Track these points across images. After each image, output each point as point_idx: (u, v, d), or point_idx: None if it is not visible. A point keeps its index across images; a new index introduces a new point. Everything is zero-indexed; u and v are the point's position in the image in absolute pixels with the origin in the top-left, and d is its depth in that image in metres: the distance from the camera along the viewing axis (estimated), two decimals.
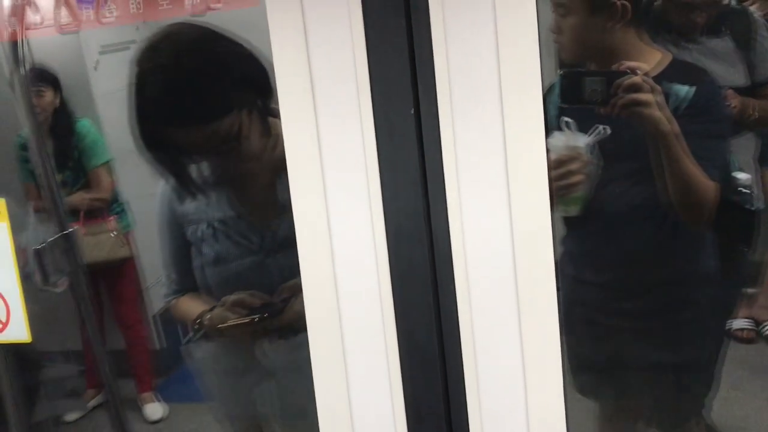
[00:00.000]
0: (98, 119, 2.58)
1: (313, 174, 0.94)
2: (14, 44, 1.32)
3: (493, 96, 0.84)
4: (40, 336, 1.29)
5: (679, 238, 1.43)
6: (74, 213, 2.53)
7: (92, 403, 2.67)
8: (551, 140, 1.34)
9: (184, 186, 1.39)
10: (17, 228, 1.26)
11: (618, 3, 1.33)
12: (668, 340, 1.51)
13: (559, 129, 1.36)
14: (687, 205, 1.34)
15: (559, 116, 1.37)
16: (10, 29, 1.29)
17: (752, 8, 1.71)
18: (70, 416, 2.67)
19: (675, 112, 1.29)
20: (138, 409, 2.68)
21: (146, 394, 2.72)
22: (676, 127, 1.27)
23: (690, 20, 1.57)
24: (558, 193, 1.36)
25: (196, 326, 1.41)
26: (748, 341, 2.17)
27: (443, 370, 0.98)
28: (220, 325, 1.35)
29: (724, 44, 1.63)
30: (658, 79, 1.29)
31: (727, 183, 1.40)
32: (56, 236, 1.41)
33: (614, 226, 1.46)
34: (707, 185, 1.32)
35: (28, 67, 1.39)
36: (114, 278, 2.67)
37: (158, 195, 1.47)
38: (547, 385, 0.94)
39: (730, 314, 1.79)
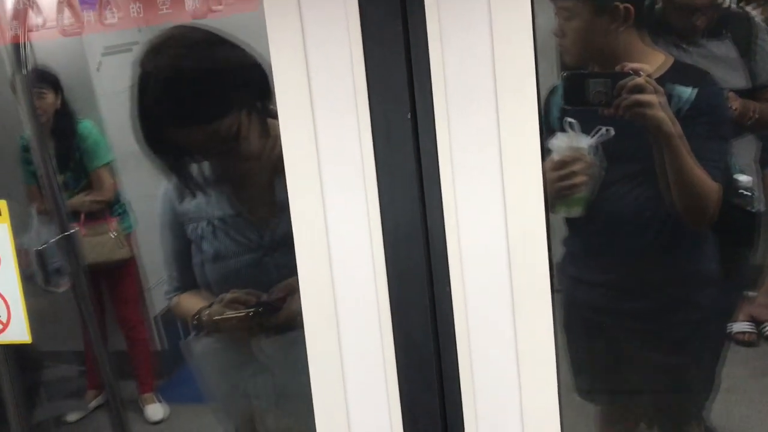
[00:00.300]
0: (101, 120, 2.59)
1: (311, 176, 0.94)
2: (16, 46, 1.33)
3: (489, 98, 0.85)
4: (40, 336, 1.30)
5: (681, 240, 1.43)
6: (75, 214, 2.54)
7: (93, 403, 2.67)
8: (554, 141, 1.34)
9: (186, 184, 1.42)
10: (19, 230, 1.27)
11: (621, 6, 1.34)
12: (669, 342, 1.51)
13: (562, 130, 1.36)
14: (689, 206, 1.34)
15: (561, 118, 1.37)
16: (12, 32, 1.30)
17: (753, 12, 1.71)
18: (71, 417, 2.68)
19: (677, 113, 1.29)
20: (139, 409, 2.68)
21: (147, 395, 2.72)
22: (679, 128, 1.27)
23: (691, 23, 1.58)
24: (561, 194, 1.37)
25: (195, 322, 1.43)
26: (749, 344, 2.17)
27: (439, 369, 0.98)
28: (216, 317, 1.38)
29: (724, 47, 1.63)
30: (661, 81, 1.29)
31: (729, 185, 1.40)
32: (58, 237, 1.41)
33: (616, 227, 1.46)
34: (710, 186, 1.32)
35: (30, 68, 1.40)
36: (115, 279, 2.68)
37: (160, 194, 1.49)
38: (542, 385, 0.94)
39: (731, 316, 1.79)
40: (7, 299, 1.25)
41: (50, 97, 2.54)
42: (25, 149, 2.34)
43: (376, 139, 0.90)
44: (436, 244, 0.93)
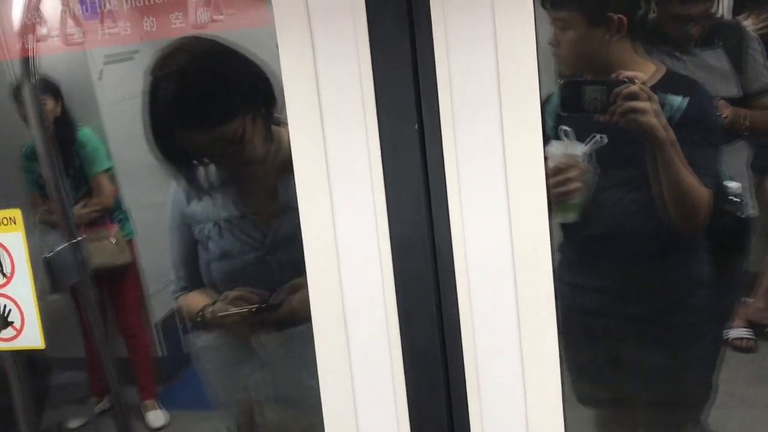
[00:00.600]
0: (102, 127, 2.61)
1: (321, 187, 0.97)
2: (25, 59, 1.36)
3: (494, 110, 0.88)
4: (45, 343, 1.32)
5: (673, 245, 1.46)
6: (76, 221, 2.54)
7: (96, 409, 2.67)
8: (549, 149, 1.37)
9: (193, 186, 1.48)
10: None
11: (614, 17, 1.37)
12: (665, 346, 1.53)
13: (557, 138, 1.39)
14: (681, 212, 1.37)
15: (556, 126, 1.40)
16: (21, 44, 1.33)
17: (746, 22, 1.75)
18: (73, 423, 2.68)
19: (669, 121, 1.32)
20: (140, 416, 2.69)
21: (149, 402, 2.72)
22: (672, 135, 1.30)
23: (683, 33, 1.61)
24: (556, 200, 1.39)
25: (199, 318, 1.48)
26: (747, 350, 2.19)
27: (446, 376, 1.00)
28: (220, 314, 1.43)
29: (716, 56, 1.67)
30: (653, 90, 1.32)
31: (719, 192, 1.43)
32: (65, 245, 1.44)
33: (610, 232, 1.49)
34: (701, 192, 1.35)
35: (37, 78, 1.42)
36: (116, 286, 2.68)
37: (169, 197, 1.55)
38: (547, 391, 0.96)
39: (726, 321, 1.81)
40: (21, 306, 1.28)
41: (50, 105, 2.56)
42: (28, 157, 2.36)
43: (384, 151, 0.93)
44: (443, 253, 0.95)
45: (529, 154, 0.88)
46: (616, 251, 1.50)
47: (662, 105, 1.32)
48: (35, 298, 1.27)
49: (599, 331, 1.58)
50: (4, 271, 1.27)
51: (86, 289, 1.52)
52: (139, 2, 1.11)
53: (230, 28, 1.15)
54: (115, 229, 2.64)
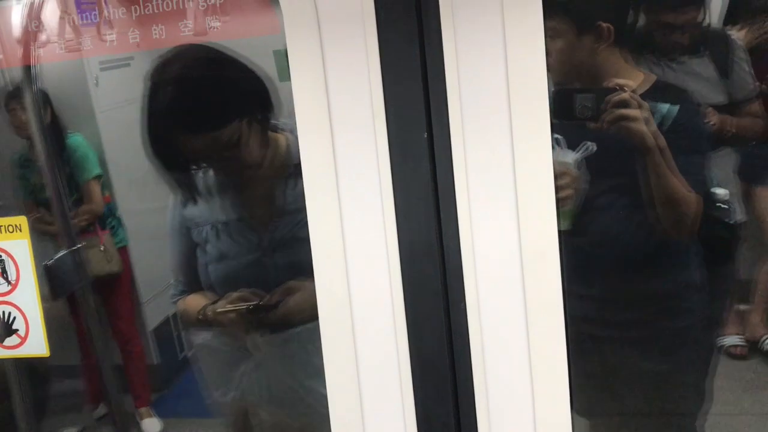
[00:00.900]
0: (99, 134, 2.60)
1: (330, 194, 0.98)
2: (27, 67, 1.36)
3: (503, 118, 0.90)
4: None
5: (664, 251, 1.48)
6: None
7: (94, 414, 2.64)
8: None
9: (191, 189, 1.51)
10: None
11: (603, 25, 1.39)
12: (657, 351, 1.54)
13: None
14: (672, 217, 1.40)
15: None
16: (21, 53, 1.33)
17: (738, 33, 1.78)
18: (69, 431, 2.65)
19: (659, 128, 1.34)
20: (135, 424, 2.67)
21: (144, 409, 2.70)
22: (662, 142, 1.33)
23: (671, 41, 1.64)
24: None
25: (201, 315, 1.50)
26: (742, 357, 2.23)
27: (453, 382, 1.01)
28: (219, 310, 1.46)
29: (703, 64, 1.70)
30: (643, 98, 1.34)
31: (707, 198, 1.45)
32: (65, 252, 1.44)
33: (601, 238, 1.51)
34: (690, 197, 1.38)
35: (37, 86, 1.43)
36: (109, 293, 2.66)
37: (170, 204, 1.57)
38: (555, 398, 0.97)
39: (718, 326, 1.83)
40: (26, 313, 1.27)
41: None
42: (22, 165, 2.34)
43: (394, 159, 0.94)
44: (451, 260, 0.97)
45: (537, 162, 0.89)
46: (606, 258, 1.51)
47: (652, 113, 1.35)
48: (40, 305, 1.26)
49: (592, 337, 1.59)
50: (9, 279, 1.26)
51: (85, 296, 1.51)
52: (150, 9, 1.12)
53: (240, 36, 1.17)
54: (105, 236, 2.63)
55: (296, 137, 0.98)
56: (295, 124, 0.97)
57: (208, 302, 1.51)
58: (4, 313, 1.28)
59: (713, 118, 1.67)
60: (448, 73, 0.90)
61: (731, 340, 2.24)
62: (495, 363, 0.98)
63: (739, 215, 1.60)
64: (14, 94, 1.95)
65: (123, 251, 2.66)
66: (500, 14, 0.86)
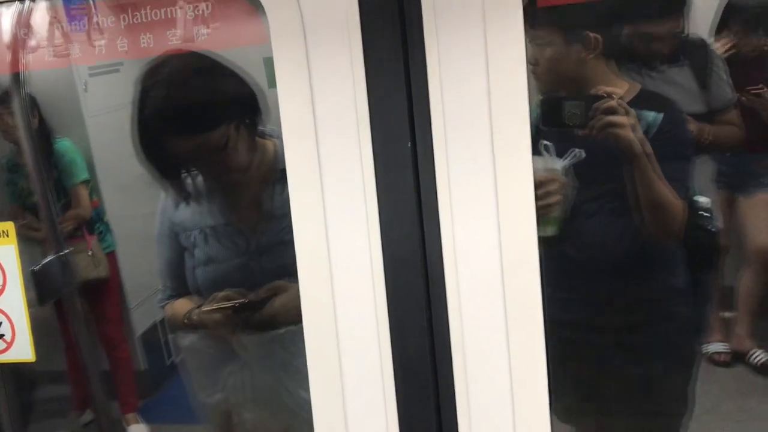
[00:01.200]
0: (87, 138, 2.60)
1: (315, 204, 1.00)
2: (15, 74, 1.37)
3: (484, 129, 0.92)
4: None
5: (649, 256, 1.50)
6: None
7: (80, 420, 2.63)
8: None
9: (180, 193, 1.52)
10: None
11: (591, 35, 1.42)
12: (641, 355, 1.56)
13: (537, 153, 1.43)
14: (658, 222, 1.42)
15: (535, 142, 1.44)
16: (10, 59, 1.34)
17: (723, 44, 1.82)
18: None
19: (644, 136, 1.37)
20: (121, 430, 2.66)
21: (130, 415, 2.69)
22: (648, 148, 1.35)
23: (651, 50, 1.67)
24: (537, 214, 1.43)
25: (186, 320, 1.52)
26: (725, 364, 2.26)
27: (435, 388, 1.03)
28: (205, 308, 1.48)
29: (682, 73, 1.73)
30: (629, 106, 1.37)
31: (690, 206, 1.47)
32: (52, 257, 1.44)
33: (587, 244, 1.53)
34: (676, 203, 1.40)
35: (25, 91, 1.43)
36: (96, 299, 2.66)
37: (158, 209, 1.60)
38: (534, 402, 1.00)
39: (701, 330, 1.85)
40: (12, 319, 1.28)
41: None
42: (10, 170, 2.34)
43: (378, 168, 0.97)
44: (434, 268, 0.99)
45: (518, 171, 0.92)
46: (592, 264, 1.53)
47: (638, 120, 1.37)
48: (27, 310, 1.27)
49: (576, 343, 1.60)
50: None
51: (72, 302, 1.52)
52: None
53: (233, 47, 1.19)
54: (93, 241, 2.62)
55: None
56: None
57: (194, 306, 1.52)
58: None
59: (691, 126, 1.69)
60: (431, 85, 0.92)
61: (715, 347, 2.28)
62: (476, 367, 1.01)
63: (718, 223, 1.63)
64: (2, 99, 1.95)
65: (111, 256, 2.66)
66: (482, 27, 0.89)
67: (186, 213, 1.56)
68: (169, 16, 1.14)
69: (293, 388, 1.52)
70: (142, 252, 1.96)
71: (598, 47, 1.44)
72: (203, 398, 1.68)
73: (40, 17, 1.32)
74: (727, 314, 2.29)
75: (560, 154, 1.43)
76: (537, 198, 1.38)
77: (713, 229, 1.54)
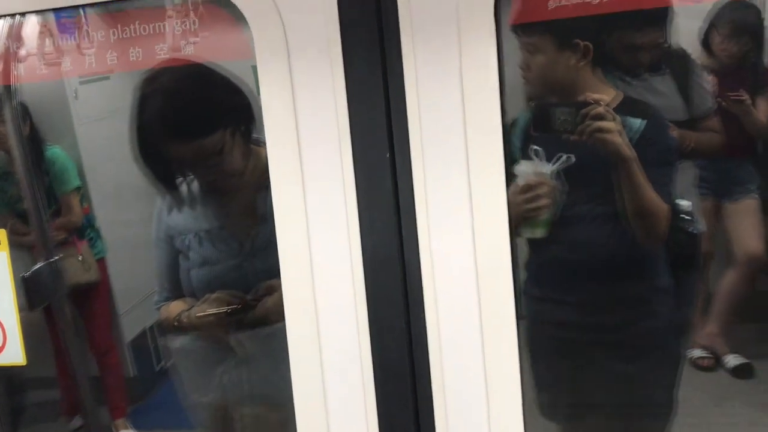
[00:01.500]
0: (78, 145, 2.61)
1: (297, 210, 1.03)
2: (6, 86, 1.39)
3: (459, 140, 0.96)
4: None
5: (634, 258, 1.52)
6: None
7: (70, 426, 2.62)
8: (520, 167, 1.44)
9: (175, 196, 1.56)
10: None
11: (581, 43, 1.45)
12: (627, 355, 1.58)
13: (524, 158, 1.46)
14: (644, 225, 1.45)
15: (523, 147, 1.47)
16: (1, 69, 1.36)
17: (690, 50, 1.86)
18: None
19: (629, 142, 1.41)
20: None
21: (120, 421, 2.69)
22: (634, 153, 1.39)
23: (635, 59, 1.70)
24: (527, 216, 1.46)
25: (176, 322, 1.55)
26: (709, 369, 2.29)
27: (413, 387, 1.07)
28: (199, 314, 1.51)
29: (664, 81, 1.77)
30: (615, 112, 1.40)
31: (673, 209, 1.50)
32: (43, 263, 1.46)
33: (574, 246, 1.55)
34: (661, 207, 1.44)
35: (17, 101, 1.45)
36: (86, 304, 2.66)
37: (154, 215, 1.62)
38: (508, 401, 1.03)
39: (685, 332, 1.87)
40: (3, 323, 1.29)
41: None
42: (0, 177, 2.35)
43: (358, 176, 1.00)
44: (412, 271, 1.02)
45: (491, 180, 0.95)
46: (579, 265, 1.56)
47: (623, 126, 1.40)
48: (18, 314, 1.29)
49: (562, 343, 1.64)
50: None
51: (62, 308, 1.53)
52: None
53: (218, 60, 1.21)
54: (83, 246, 2.63)
55: None
56: None
57: (185, 309, 1.55)
58: None
59: (673, 133, 1.73)
60: (408, 98, 0.96)
61: (697, 352, 2.31)
62: (452, 368, 1.04)
63: (700, 226, 1.66)
64: None
65: (101, 263, 2.66)
66: (457, 45, 0.93)
67: (181, 217, 1.59)
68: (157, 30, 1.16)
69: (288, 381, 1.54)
70: (132, 258, 1.97)
71: (589, 55, 1.46)
72: (197, 398, 1.70)
73: (31, 30, 1.34)
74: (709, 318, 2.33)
75: (550, 159, 1.46)
76: (526, 201, 1.44)
77: (695, 231, 1.57)
